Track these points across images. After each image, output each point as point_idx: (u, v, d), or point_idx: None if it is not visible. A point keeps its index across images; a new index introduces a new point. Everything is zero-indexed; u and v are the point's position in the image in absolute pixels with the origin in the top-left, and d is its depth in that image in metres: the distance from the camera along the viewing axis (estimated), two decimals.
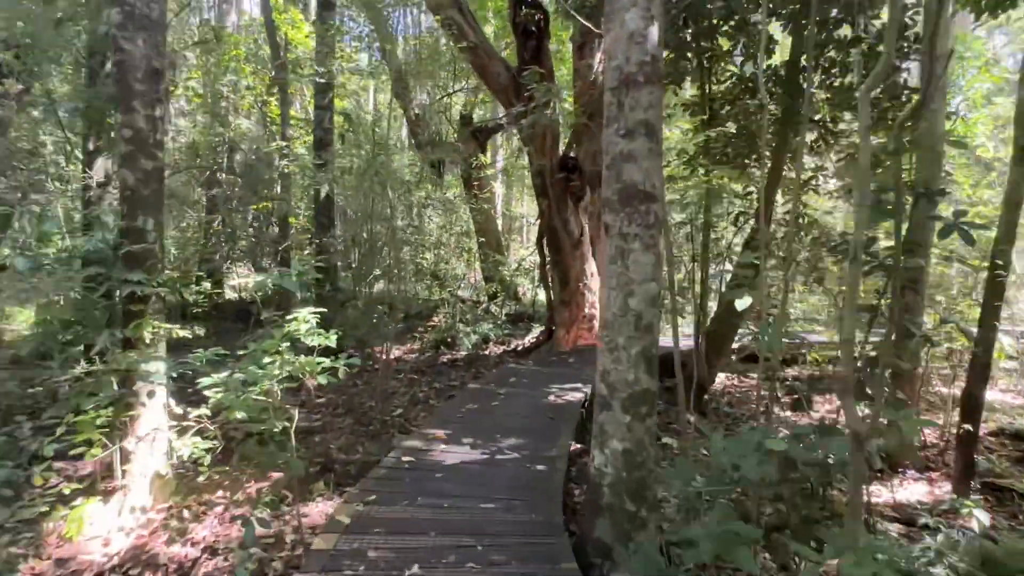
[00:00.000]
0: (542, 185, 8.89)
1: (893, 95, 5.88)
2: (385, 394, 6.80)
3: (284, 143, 11.17)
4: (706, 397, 7.36)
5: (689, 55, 6.80)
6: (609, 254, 2.87)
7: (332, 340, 3.59)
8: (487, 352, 10.13)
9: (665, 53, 6.92)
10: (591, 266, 9.48)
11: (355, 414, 6.44)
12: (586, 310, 9.57)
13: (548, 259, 9.91)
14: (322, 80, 8.74)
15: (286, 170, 11.08)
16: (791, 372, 9.41)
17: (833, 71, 6.22)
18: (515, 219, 16.89)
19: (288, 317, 3.65)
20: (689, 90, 8.33)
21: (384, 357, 7.45)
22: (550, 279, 10.06)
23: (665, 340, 4.42)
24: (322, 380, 3.62)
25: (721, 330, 7.18)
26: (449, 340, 10.16)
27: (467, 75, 13.16)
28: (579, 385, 6.15)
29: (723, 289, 7.27)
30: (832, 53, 6.10)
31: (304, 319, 3.56)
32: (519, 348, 10.39)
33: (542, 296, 13.57)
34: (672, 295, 4.29)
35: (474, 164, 11.87)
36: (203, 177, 13.00)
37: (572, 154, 9.20)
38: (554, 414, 5.00)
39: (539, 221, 10.56)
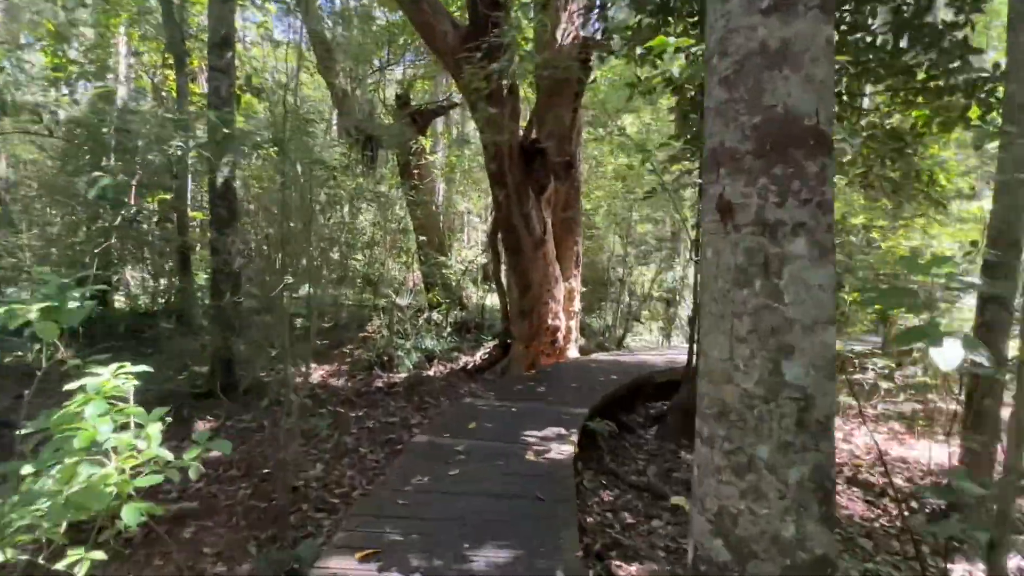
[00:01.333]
0: (498, 172, 7.35)
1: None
2: (296, 446, 5.05)
3: (181, 117, 9.11)
4: None
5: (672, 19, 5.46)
6: (719, 266, 1.38)
7: (156, 418, 1.93)
8: (431, 373, 8.48)
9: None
10: (555, 270, 8.03)
11: (255, 478, 4.68)
12: (549, 321, 8.12)
13: (504, 261, 8.39)
14: (219, 36, 6.85)
15: (180, 152, 9.01)
16: None
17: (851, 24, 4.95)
18: (459, 216, 15.27)
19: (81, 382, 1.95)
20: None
21: (298, 384, 5.69)
22: (506, 285, 8.54)
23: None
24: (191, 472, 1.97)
25: None
26: (385, 359, 8.43)
27: (406, 47, 11.44)
28: (561, 430, 4.65)
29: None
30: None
31: (105, 386, 1.87)
32: (469, 367, 8.80)
33: (491, 301, 12.04)
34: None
35: (413, 150, 10.17)
36: (86, 164, 10.65)
37: (534, 135, 7.71)
38: (541, 486, 3.48)
39: (492, 216, 9.01)
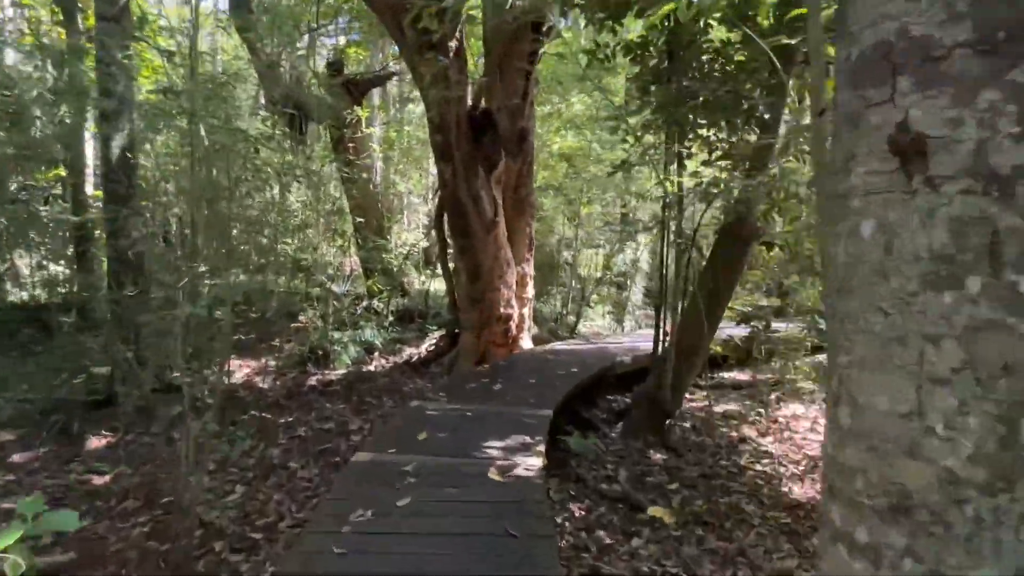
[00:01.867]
0: (444, 144, 6.61)
1: None
2: (207, 466, 4.26)
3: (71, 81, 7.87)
4: (669, 422, 5.63)
5: None
6: (892, 250, 0.79)
7: None
8: (372, 368, 7.72)
9: None
10: (507, 254, 7.40)
11: (156, 509, 3.86)
12: (500, 309, 7.50)
13: (451, 244, 7.70)
14: None
15: (68, 120, 7.77)
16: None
17: None
18: (398, 197, 14.35)
19: None
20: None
21: (214, 385, 4.83)
22: (453, 270, 7.85)
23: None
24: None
25: (693, 332, 5.43)
26: (320, 354, 7.60)
27: (339, 9, 10.41)
28: (524, 438, 4.07)
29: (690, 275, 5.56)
30: None
31: None
32: (414, 360, 8.10)
33: (436, 287, 11.31)
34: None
35: (348, 122, 9.24)
36: None
37: (484, 106, 7.00)
38: (511, 518, 2.88)
39: (437, 195, 8.26)
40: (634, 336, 8.70)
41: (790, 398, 6.98)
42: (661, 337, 5.86)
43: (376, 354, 8.22)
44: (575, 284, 11.67)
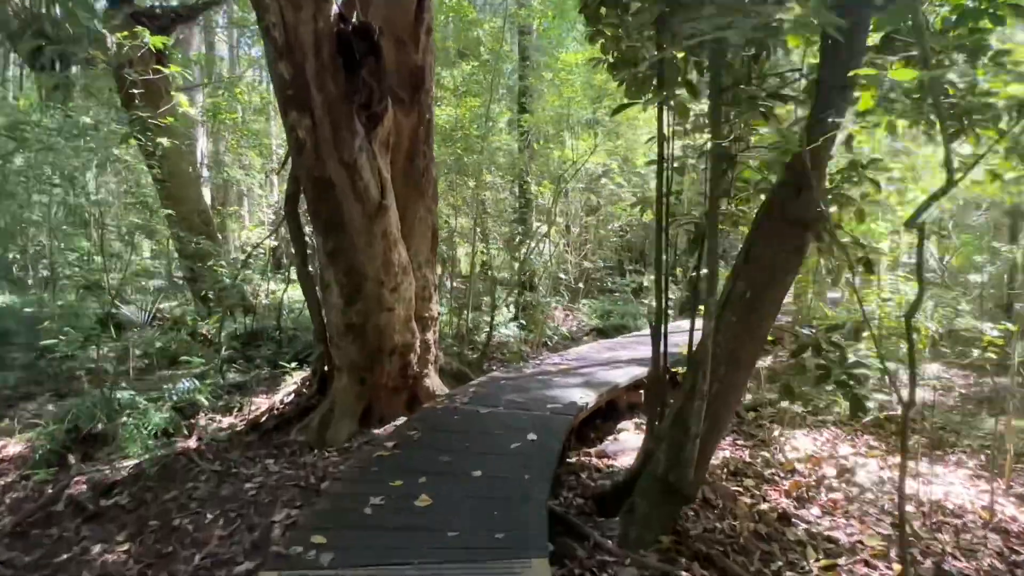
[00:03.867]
0: (297, 82, 4.02)
1: None
2: None
3: None
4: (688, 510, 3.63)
5: None
6: None
7: None
8: (189, 444, 4.85)
9: None
10: (401, 254, 4.95)
11: None
12: (395, 337, 5.05)
13: (316, 243, 5.12)
14: None
15: None
16: None
17: None
18: (235, 183, 11.03)
19: None
20: None
21: None
22: (321, 282, 5.23)
23: None
24: None
25: (727, 364, 3.40)
26: (93, 434, 4.59)
27: None
28: None
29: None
30: None
31: None
32: (263, 419, 5.34)
33: (295, 295, 8.45)
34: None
35: (141, 67, 6.09)
36: None
37: (361, 18, 4.41)
38: None
39: (289, 170, 5.53)
40: (580, 359, 6.56)
41: (784, 426, 5.35)
42: (661, 361, 3.84)
43: (200, 417, 5.33)
44: (478, 287, 9.42)
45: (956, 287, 7.15)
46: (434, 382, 5.58)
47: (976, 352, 6.28)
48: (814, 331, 3.44)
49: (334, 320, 5.07)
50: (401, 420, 5.21)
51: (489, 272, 9.75)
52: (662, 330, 3.78)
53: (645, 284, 10.14)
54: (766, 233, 3.37)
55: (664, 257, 3.77)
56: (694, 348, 3.59)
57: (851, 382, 3.19)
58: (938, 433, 5.24)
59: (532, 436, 3.85)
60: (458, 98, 9.24)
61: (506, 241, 10.51)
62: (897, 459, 5.04)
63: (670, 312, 11.08)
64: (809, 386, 4.27)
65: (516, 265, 9.96)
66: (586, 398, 4.74)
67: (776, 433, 5.11)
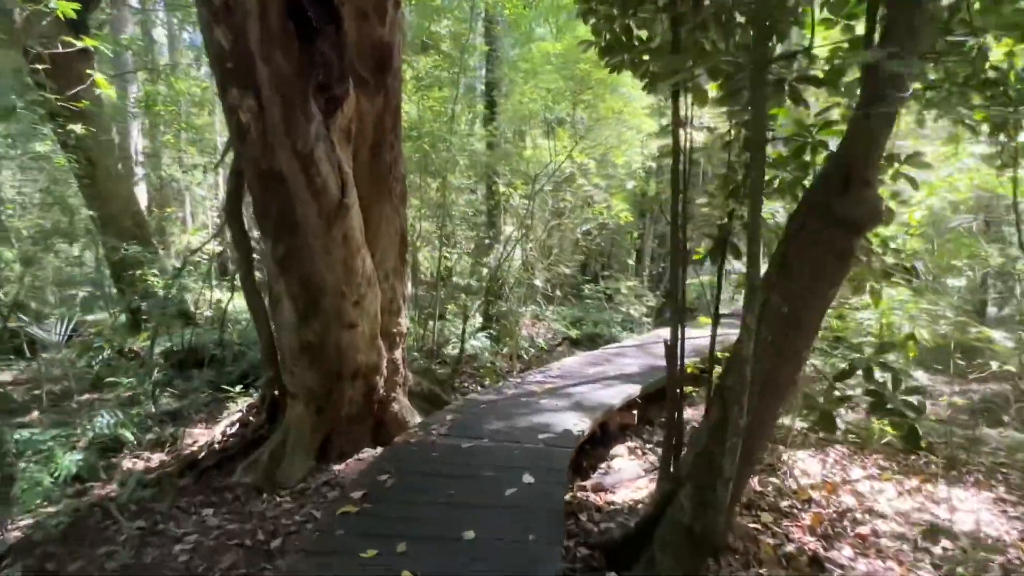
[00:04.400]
0: (237, 57, 3.31)
1: None
2: None
3: None
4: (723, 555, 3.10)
5: None
6: None
7: None
8: (111, 488, 4.03)
9: None
10: (365, 261, 4.26)
11: None
12: (358, 358, 4.36)
13: (265, 249, 4.39)
14: None
15: None
16: None
17: None
18: (171, 183, 9.99)
19: None
20: None
21: None
22: (272, 295, 4.49)
23: None
24: None
25: (763, 389, 2.88)
26: None
27: None
28: None
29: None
30: None
31: None
32: (201, 456, 4.54)
33: (240, 306, 7.57)
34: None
35: (48, 39, 5.17)
36: None
37: None
38: None
39: (232, 162, 4.75)
40: (555, 371, 5.98)
41: (788, 446, 4.90)
42: (677, 388, 3.30)
43: (123, 456, 4.50)
44: (441, 295, 8.74)
45: (941, 292, 6.94)
46: (404, 407, 4.90)
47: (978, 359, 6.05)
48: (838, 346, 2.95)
49: (286, 339, 4.33)
50: (366, 453, 4.53)
51: (452, 278, 9.10)
52: (679, 351, 3.23)
53: (623, 290, 9.69)
54: (805, 237, 2.87)
55: (680, 265, 3.23)
56: (721, 372, 3.05)
57: (908, 412, 2.72)
58: (955, 452, 4.89)
59: (528, 478, 3.23)
60: (421, 92, 8.56)
61: (474, 246, 9.89)
62: (913, 482, 4.68)
63: (646, 320, 10.69)
64: (833, 409, 3.79)
65: (484, 271, 9.32)
66: (581, 424, 4.15)
67: (784, 456, 4.65)
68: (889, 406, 2.74)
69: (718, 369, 3.39)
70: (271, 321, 4.59)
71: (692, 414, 6.03)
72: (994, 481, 4.58)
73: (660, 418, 5.88)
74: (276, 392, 4.83)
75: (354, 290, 4.18)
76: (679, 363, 3.27)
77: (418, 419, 4.94)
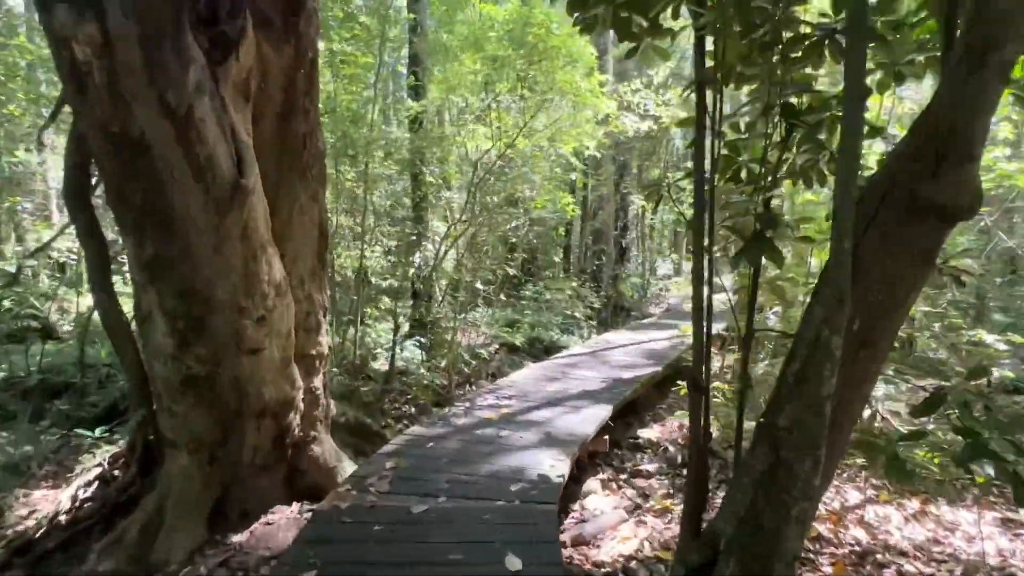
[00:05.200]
0: None
1: None
2: None
3: None
4: None
5: None
6: None
7: None
8: None
9: None
10: (270, 265, 3.19)
11: None
12: (264, 392, 3.29)
13: (128, 248, 3.19)
14: None
15: None
16: None
17: None
18: (18, 163, 8.07)
19: None
20: None
21: None
22: (140, 311, 3.29)
23: None
24: None
25: (841, 412, 2.17)
26: None
27: None
28: None
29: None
30: None
31: None
32: (38, 539, 3.28)
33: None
34: None
35: None
36: None
37: None
38: None
39: (73, 129, 3.45)
40: (507, 390, 5.02)
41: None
42: (703, 435, 2.54)
43: None
44: (353, 297, 7.62)
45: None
46: (326, 448, 3.86)
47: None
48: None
49: (161, 370, 3.18)
50: (279, 513, 3.47)
51: (372, 279, 8.00)
52: (707, 383, 2.46)
53: (567, 291, 8.98)
54: (882, 230, 2.19)
55: (706, 267, 2.46)
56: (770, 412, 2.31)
57: (1016, 458, 2.11)
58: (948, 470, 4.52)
59: (514, 562, 2.35)
60: (336, 65, 7.37)
61: (398, 243, 8.81)
62: (915, 504, 4.25)
63: (591, 323, 10.04)
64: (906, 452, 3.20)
65: (411, 271, 8.28)
66: (559, 466, 3.33)
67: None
68: (992, 448, 2.11)
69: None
70: (139, 347, 3.41)
71: (661, 432, 5.38)
72: (992, 497, 4.24)
73: (627, 438, 5.19)
74: (150, 437, 3.65)
75: (258, 303, 3.11)
76: (705, 408, 2.50)
77: (345, 462, 3.92)
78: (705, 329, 2.47)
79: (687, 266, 17.30)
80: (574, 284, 9.20)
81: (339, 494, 3.06)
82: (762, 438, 2.30)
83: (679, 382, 6.96)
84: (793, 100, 2.54)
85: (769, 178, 2.48)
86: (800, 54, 2.50)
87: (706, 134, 2.49)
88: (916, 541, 3.60)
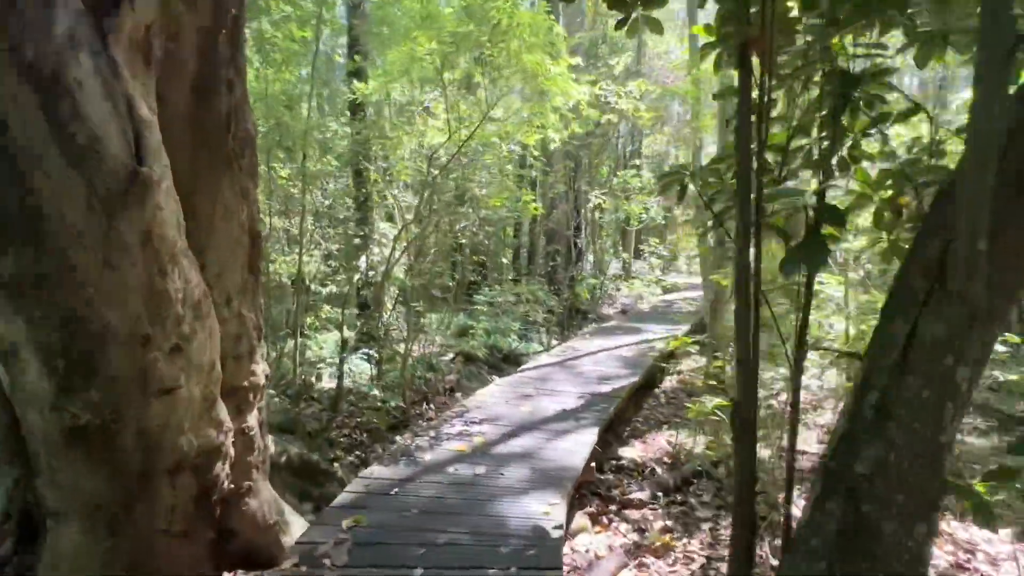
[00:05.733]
0: None
1: None
2: None
3: None
4: None
5: None
6: None
7: None
8: None
9: None
10: (187, 278, 2.48)
11: None
12: (179, 441, 2.58)
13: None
14: None
15: None
16: None
17: None
18: None
19: None
20: None
21: None
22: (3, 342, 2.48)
23: None
24: None
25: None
26: None
27: None
28: None
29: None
30: None
31: None
32: None
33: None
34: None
35: None
36: None
37: None
38: None
39: None
40: (477, 413, 4.40)
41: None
42: (749, 483, 2.06)
43: None
44: (290, 307, 6.84)
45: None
46: (264, 500, 3.15)
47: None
48: None
49: (37, 422, 2.42)
50: None
51: (311, 286, 7.23)
52: (754, 423, 1.98)
53: (528, 295, 8.43)
54: (1005, 220, 1.76)
55: (750, 264, 1.97)
56: (836, 452, 1.84)
57: None
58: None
59: None
60: (263, 54, 6.55)
61: (340, 246, 8.07)
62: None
63: (552, 329, 9.54)
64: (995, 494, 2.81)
65: (356, 276, 7.55)
66: (553, 512, 2.78)
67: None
68: None
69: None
70: (9, 386, 2.61)
71: (644, 450, 4.93)
72: (999, 508, 4.02)
73: (608, 459, 4.71)
74: (29, 500, 2.84)
75: (169, 330, 2.40)
76: (751, 450, 2.01)
77: (289, 514, 3.24)
78: (753, 355, 1.98)
79: (637, 265, 17.16)
80: (534, 287, 8.67)
81: (283, 570, 2.39)
82: (832, 482, 1.85)
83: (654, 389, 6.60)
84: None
85: (827, 164, 2.03)
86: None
87: (750, 111, 2.00)
88: (939, 568, 3.29)
